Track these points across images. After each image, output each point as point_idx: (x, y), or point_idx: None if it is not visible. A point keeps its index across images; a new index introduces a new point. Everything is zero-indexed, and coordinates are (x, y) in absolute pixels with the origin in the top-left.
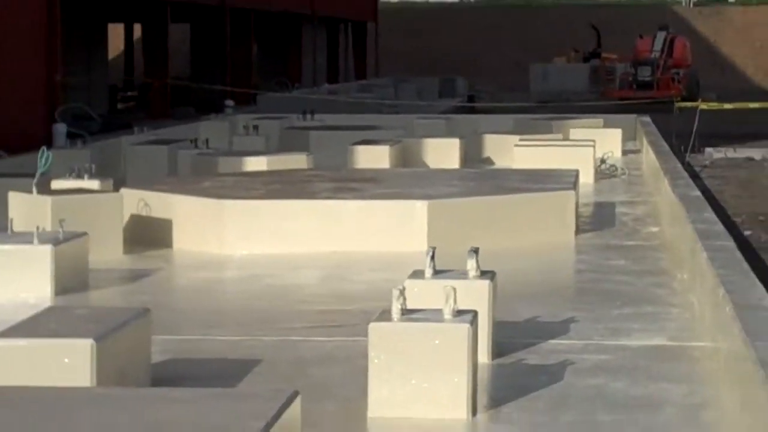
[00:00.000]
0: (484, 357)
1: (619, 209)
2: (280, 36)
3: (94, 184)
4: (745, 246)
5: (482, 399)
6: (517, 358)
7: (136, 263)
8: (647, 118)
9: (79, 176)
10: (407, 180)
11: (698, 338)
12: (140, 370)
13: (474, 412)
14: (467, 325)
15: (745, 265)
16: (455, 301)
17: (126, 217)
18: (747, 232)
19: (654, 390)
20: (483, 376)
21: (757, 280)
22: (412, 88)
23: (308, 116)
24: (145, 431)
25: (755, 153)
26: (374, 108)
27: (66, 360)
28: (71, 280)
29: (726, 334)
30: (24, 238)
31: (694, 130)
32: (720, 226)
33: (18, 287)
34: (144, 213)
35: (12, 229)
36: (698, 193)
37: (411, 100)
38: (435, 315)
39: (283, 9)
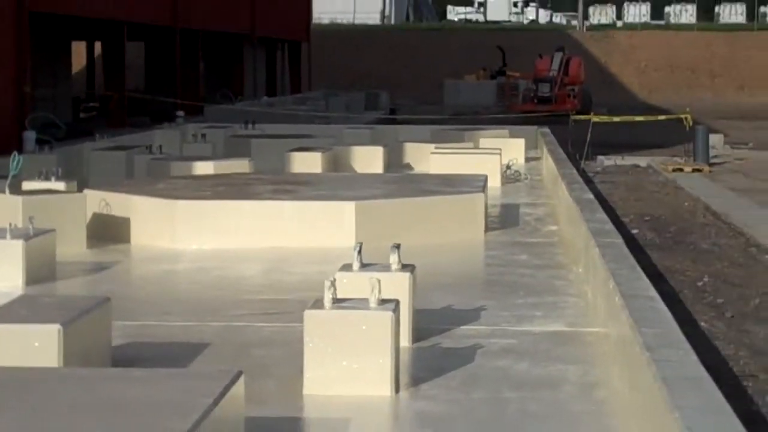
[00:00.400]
0: (405, 341)
1: (522, 210)
2: (224, 54)
3: (60, 185)
4: (632, 243)
5: (404, 378)
6: (434, 342)
7: (98, 257)
8: (547, 129)
9: (47, 178)
10: (337, 183)
11: (591, 324)
12: (102, 352)
13: (397, 389)
14: (390, 313)
15: (632, 260)
16: (380, 292)
17: (89, 215)
18: (634, 231)
19: (553, 371)
20: (404, 358)
21: (642, 274)
22: (341, 101)
23: (250, 126)
24: (107, 407)
25: (641, 161)
26: (307, 119)
27: (36, 344)
28: (40, 271)
29: (615, 321)
30: None
31: (588, 140)
32: (610, 226)
33: None
34: (105, 212)
35: None
36: (591, 196)
37: (340, 112)
38: (362, 304)
39: (227, 30)
